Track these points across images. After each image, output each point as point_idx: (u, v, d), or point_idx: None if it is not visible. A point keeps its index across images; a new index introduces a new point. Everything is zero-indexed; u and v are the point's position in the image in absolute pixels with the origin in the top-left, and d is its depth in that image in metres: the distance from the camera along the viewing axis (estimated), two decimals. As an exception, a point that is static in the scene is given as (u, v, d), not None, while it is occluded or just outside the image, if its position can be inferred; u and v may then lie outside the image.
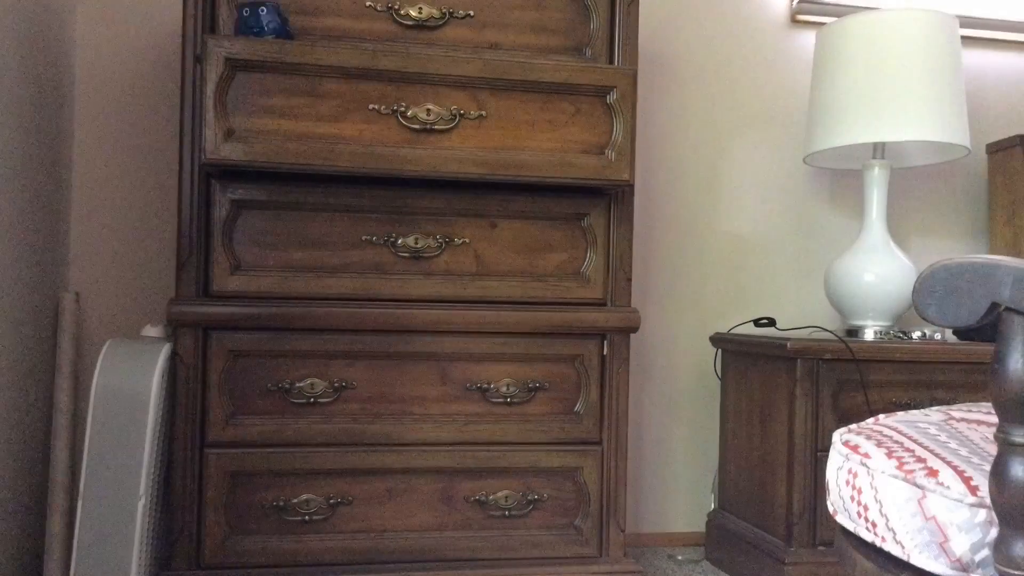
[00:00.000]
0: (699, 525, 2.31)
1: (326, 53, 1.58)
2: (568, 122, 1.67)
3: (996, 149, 2.38)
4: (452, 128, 1.63)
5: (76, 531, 1.51)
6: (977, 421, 1.02)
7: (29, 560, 1.75)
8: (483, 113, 1.64)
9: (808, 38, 2.40)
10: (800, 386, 1.75)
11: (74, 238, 1.99)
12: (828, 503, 0.92)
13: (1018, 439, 0.71)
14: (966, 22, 2.45)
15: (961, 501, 0.78)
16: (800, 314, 2.38)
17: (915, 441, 0.90)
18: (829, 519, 1.76)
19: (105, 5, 2.00)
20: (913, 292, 0.74)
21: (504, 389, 1.71)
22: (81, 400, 1.91)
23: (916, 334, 2.00)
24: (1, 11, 1.53)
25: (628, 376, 1.76)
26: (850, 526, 0.86)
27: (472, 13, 1.76)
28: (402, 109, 1.61)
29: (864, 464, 0.86)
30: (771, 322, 2.12)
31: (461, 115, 1.63)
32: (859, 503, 0.85)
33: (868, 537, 0.84)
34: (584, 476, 1.74)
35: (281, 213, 1.67)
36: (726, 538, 1.99)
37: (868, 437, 0.90)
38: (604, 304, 1.77)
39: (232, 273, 1.64)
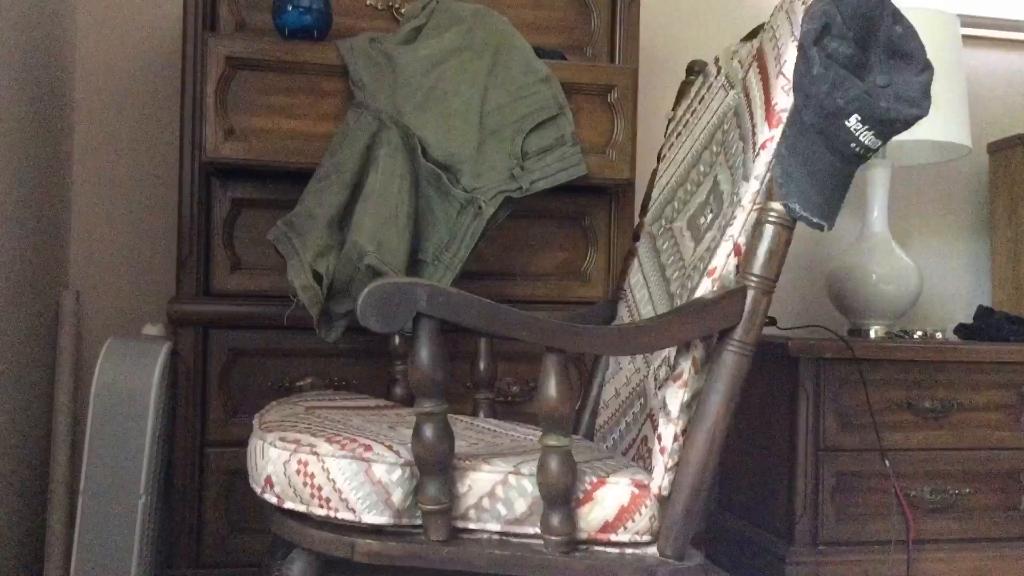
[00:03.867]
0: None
1: (326, 52, 1.57)
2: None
3: (997, 148, 2.38)
4: (452, 127, 1.62)
5: (76, 529, 1.51)
6: (341, 407, 1.29)
7: (29, 558, 1.75)
8: (483, 112, 1.64)
9: (809, 37, 2.39)
10: (802, 386, 1.75)
11: (74, 237, 1.99)
12: (270, 495, 1.05)
13: (427, 408, 0.97)
14: (967, 21, 2.45)
15: (395, 464, 1.01)
16: (801, 313, 2.38)
17: (329, 427, 1.10)
18: (831, 518, 1.76)
19: (105, 4, 2.00)
20: (358, 308, 0.94)
21: (505, 387, 1.71)
22: (81, 399, 1.91)
23: (917, 334, 2.00)
24: (1, 10, 1.53)
25: (628, 375, 1.76)
26: (301, 508, 1.02)
27: (472, 12, 1.75)
28: (402, 108, 1.61)
29: (314, 452, 1.02)
30: (772, 321, 2.12)
31: (461, 114, 1.63)
32: (312, 486, 1.01)
33: (322, 513, 1.01)
34: (584, 475, 1.74)
35: (281, 212, 1.67)
36: (726, 537, 1.99)
37: (300, 431, 1.07)
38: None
39: (232, 272, 1.64)
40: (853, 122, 0.99)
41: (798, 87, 1.02)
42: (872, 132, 1.00)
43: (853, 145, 1.01)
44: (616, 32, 1.81)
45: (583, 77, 1.66)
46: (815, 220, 1.04)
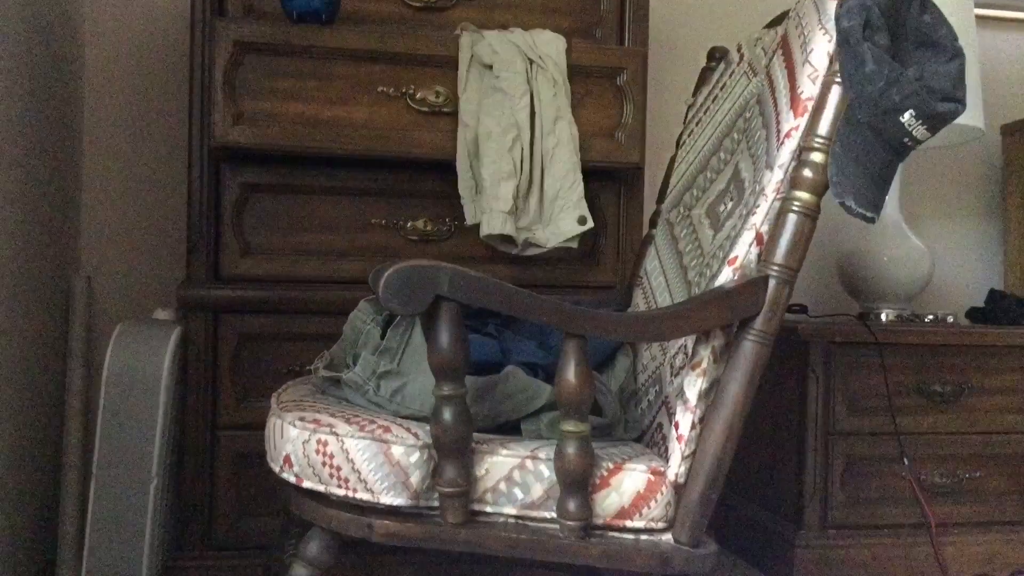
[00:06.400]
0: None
1: (334, 36, 1.57)
2: (577, 104, 1.66)
3: (1011, 130, 2.36)
4: (461, 110, 1.62)
5: (89, 512, 1.53)
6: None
7: (42, 541, 1.77)
8: (492, 95, 1.63)
9: (820, 19, 2.37)
10: (811, 369, 1.75)
11: (85, 222, 1.99)
12: (288, 475, 1.05)
13: (446, 391, 0.97)
14: (980, 2, 2.42)
15: (414, 446, 1.01)
16: (811, 296, 2.37)
17: (347, 408, 1.10)
18: (840, 502, 1.76)
19: (114, -12, 2.00)
20: (380, 290, 0.93)
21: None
22: (93, 383, 1.92)
23: (928, 317, 1.99)
24: (10, -6, 1.53)
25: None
26: (320, 488, 1.02)
27: (481, -6, 1.74)
28: (411, 91, 1.60)
29: (333, 432, 1.02)
30: (803, 309, 2.10)
31: (470, 97, 1.62)
32: (331, 466, 1.01)
33: (341, 492, 1.01)
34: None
35: (290, 197, 1.67)
36: (735, 520, 1.99)
37: (319, 411, 1.07)
38: (614, 287, 1.76)
39: (242, 257, 1.65)
40: (907, 117, 1.00)
41: (849, 84, 1.02)
42: (925, 126, 1.01)
43: (906, 139, 1.02)
44: (625, 14, 1.80)
45: (592, 59, 1.65)
46: (868, 215, 1.05)
